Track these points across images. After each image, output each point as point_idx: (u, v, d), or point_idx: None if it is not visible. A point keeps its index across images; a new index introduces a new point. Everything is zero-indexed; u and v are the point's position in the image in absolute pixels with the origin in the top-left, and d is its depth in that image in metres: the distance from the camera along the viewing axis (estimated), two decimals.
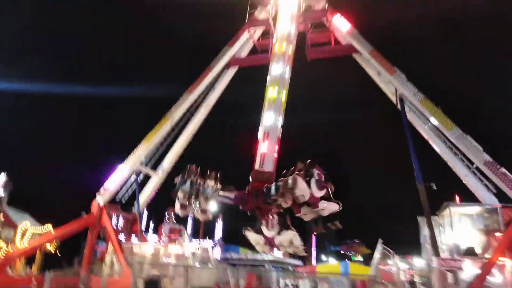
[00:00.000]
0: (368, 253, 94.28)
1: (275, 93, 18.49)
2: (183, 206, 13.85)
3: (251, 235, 13.77)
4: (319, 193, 12.58)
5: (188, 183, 13.80)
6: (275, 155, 15.86)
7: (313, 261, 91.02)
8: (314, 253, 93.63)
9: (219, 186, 13.61)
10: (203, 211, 13.77)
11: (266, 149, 15.75)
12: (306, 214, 12.86)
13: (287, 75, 19.60)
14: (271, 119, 17.35)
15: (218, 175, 13.68)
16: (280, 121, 17.68)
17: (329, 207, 12.79)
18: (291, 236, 13.09)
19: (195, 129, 31.01)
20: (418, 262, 22.62)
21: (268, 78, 19.38)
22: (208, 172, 13.69)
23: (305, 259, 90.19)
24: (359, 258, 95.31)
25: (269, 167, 14.96)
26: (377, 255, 20.79)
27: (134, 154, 28.40)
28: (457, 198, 33.13)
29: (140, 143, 28.68)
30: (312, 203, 12.64)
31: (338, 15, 27.69)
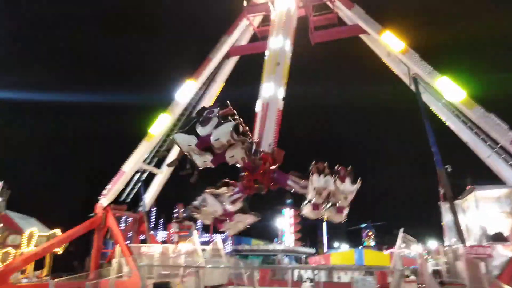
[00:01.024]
0: (380, 235, 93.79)
1: (274, 63, 16.92)
2: (316, 207, 12.07)
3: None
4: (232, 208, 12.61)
5: (322, 177, 11.95)
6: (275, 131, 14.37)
7: (325, 248, 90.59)
8: (325, 239, 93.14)
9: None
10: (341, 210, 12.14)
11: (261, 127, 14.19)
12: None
13: (288, 48, 18.00)
14: (270, 90, 15.73)
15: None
16: (281, 93, 16.06)
17: (244, 220, 13.09)
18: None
19: None
20: (441, 248, 21.44)
21: (267, 53, 17.93)
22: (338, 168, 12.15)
23: (317, 247, 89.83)
24: (372, 242, 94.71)
25: (266, 146, 13.52)
26: (399, 243, 19.65)
27: (136, 153, 27.37)
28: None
29: (141, 141, 27.63)
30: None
31: None
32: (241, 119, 11.39)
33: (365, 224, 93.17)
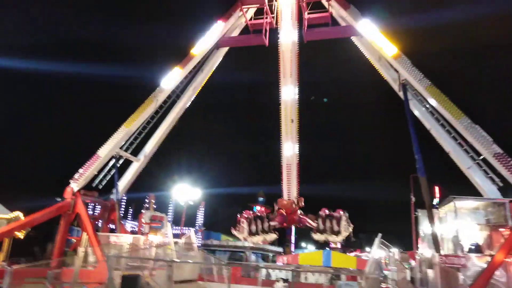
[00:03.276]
0: (348, 240, 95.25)
1: (289, 120, 25.46)
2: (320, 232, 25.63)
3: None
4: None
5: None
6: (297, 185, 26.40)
7: (293, 248, 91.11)
8: (293, 239, 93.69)
9: None
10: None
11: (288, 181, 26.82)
12: None
13: (296, 95, 25.47)
14: (290, 149, 26.13)
15: None
16: (296, 149, 26.48)
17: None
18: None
19: (181, 113, 28.98)
20: (416, 255, 21.64)
21: (282, 105, 25.30)
22: None
23: (285, 246, 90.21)
24: (338, 245, 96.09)
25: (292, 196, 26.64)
26: (375, 250, 19.62)
27: (113, 138, 26.16)
28: (436, 189, 32.87)
29: (121, 126, 26.44)
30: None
31: None
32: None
33: None
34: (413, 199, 37.63)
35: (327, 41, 27.77)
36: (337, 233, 24.66)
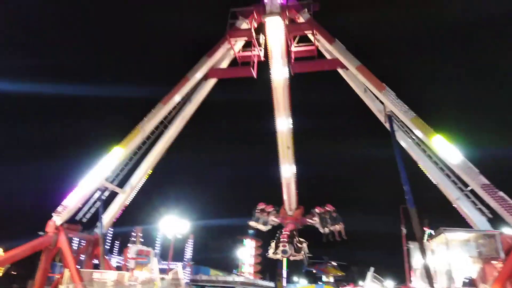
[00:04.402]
0: (342, 275, 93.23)
1: (285, 147, 27.09)
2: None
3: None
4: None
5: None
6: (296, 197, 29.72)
7: (284, 283, 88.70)
8: (285, 273, 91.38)
9: None
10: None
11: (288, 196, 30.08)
12: None
13: (290, 125, 26.53)
14: (288, 172, 28.31)
15: None
16: (294, 169, 28.69)
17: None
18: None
19: (169, 143, 28.74)
20: None
21: (278, 134, 26.61)
22: None
23: (276, 281, 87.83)
24: (331, 279, 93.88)
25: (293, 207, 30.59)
26: (368, 284, 19.08)
27: (98, 168, 25.63)
28: (427, 221, 32.54)
29: (105, 156, 26.00)
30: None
31: (323, 28, 26.57)
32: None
33: (323, 260, 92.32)
34: (404, 231, 37.20)
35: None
36: (335, 222, 28.67)
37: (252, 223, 32.37)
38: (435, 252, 20.40)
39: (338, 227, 28.54)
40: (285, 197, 31.00)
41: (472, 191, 20.01)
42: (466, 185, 20.28)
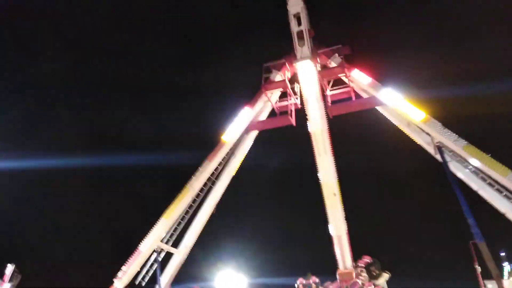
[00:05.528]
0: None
1: (332, 194, 26.64)
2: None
3: None
4: None
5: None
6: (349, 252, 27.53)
7: None
8: None
9: None
10: None
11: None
12: None
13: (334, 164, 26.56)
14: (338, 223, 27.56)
15: None
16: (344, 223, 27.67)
17: None
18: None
19: (218, 199, 29.27)
20: None
21: (321, 181, 26.62)
22: None
23: None
24: None
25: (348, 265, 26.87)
26: None
27: (153, 231, 26.49)
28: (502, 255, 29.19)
29: (159, 219, 26.90)
30: None
31: (356, 69, 26.93)
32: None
33: None
34: (478, 269, 33.88)
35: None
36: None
37: None
38: None
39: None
40: (337, 255, 28.74)
41: None
42: None
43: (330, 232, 28.28)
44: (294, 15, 28.19)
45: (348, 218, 28.74)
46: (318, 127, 26.18)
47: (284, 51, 29.54)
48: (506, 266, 26.30)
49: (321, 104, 27.06)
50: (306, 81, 27.05)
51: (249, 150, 30.19)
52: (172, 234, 27.64)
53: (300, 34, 28.78)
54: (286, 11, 27.68)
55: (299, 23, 28.41)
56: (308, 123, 27.34)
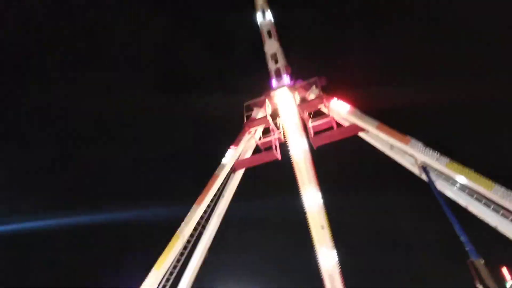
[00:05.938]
0: None
1: (320, 227, 24.80)
2: None
3: None
4: None
5: None
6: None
7: None
8: None
9: None
10: None
11: None
12: None
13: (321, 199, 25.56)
14: (328, 259, 24.76)
15: None
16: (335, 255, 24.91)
17: None
18: None
19: (209, 244, 28.46)
20: None
21: (309, 213, 25.29)
22: None
23: None
24: None
25: None
26: None
27: (145, 284, 25.35)
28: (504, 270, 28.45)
29: (151, 270, 25.86)
30: None
31: (335, 99, 27.54)
32: None
33: None
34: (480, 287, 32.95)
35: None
36: None
37: None
38: None
39: None
40: None
41: None
42: None
43: (321, 270, 25.72)
44: (271, 56, 29.95)
45: (342, 253, 26.24)
46: (300, 156, 26.25)
47: (263, 89, 30.54)
48: (509, 282, 25.51)
49: (302, 133, 27.38)
50: (285, 110, 27.55)
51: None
52: (164, 286, 26.50)
53: (277, 72, 30.15)
54: (263, 53, 29.19)
55: (276, 62, 30.12)
56: (291, 153, 27.42)
